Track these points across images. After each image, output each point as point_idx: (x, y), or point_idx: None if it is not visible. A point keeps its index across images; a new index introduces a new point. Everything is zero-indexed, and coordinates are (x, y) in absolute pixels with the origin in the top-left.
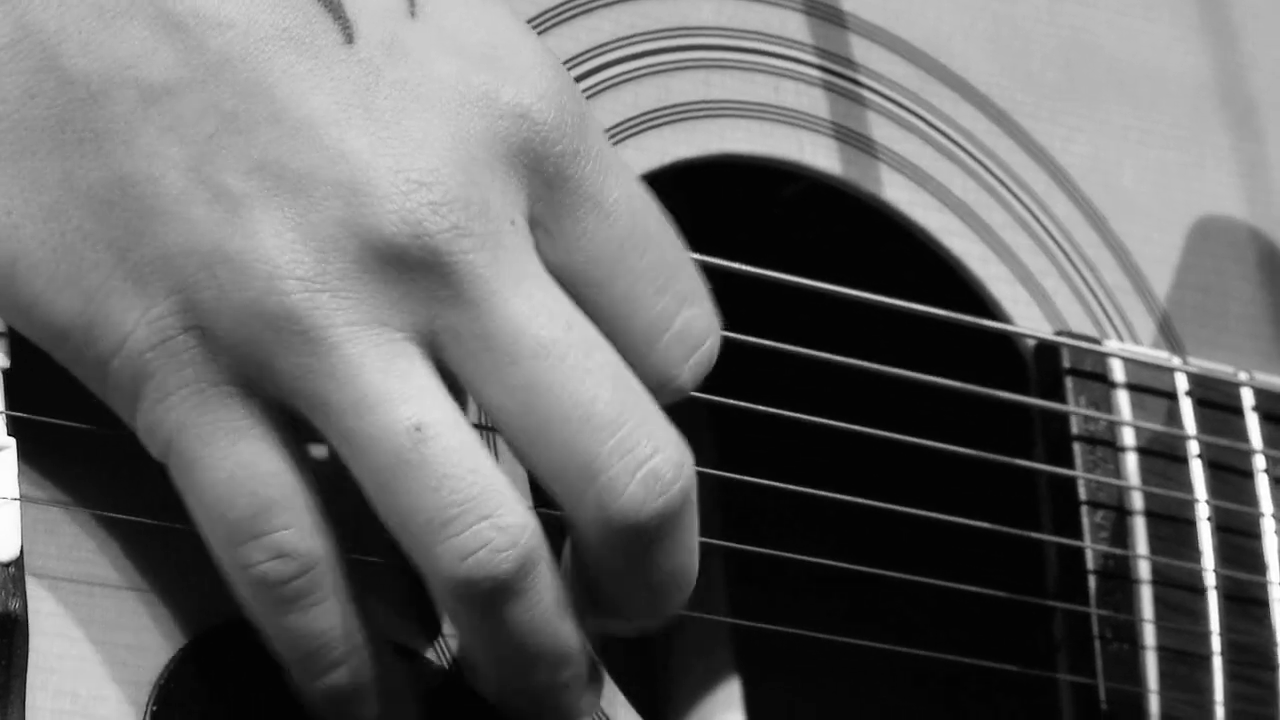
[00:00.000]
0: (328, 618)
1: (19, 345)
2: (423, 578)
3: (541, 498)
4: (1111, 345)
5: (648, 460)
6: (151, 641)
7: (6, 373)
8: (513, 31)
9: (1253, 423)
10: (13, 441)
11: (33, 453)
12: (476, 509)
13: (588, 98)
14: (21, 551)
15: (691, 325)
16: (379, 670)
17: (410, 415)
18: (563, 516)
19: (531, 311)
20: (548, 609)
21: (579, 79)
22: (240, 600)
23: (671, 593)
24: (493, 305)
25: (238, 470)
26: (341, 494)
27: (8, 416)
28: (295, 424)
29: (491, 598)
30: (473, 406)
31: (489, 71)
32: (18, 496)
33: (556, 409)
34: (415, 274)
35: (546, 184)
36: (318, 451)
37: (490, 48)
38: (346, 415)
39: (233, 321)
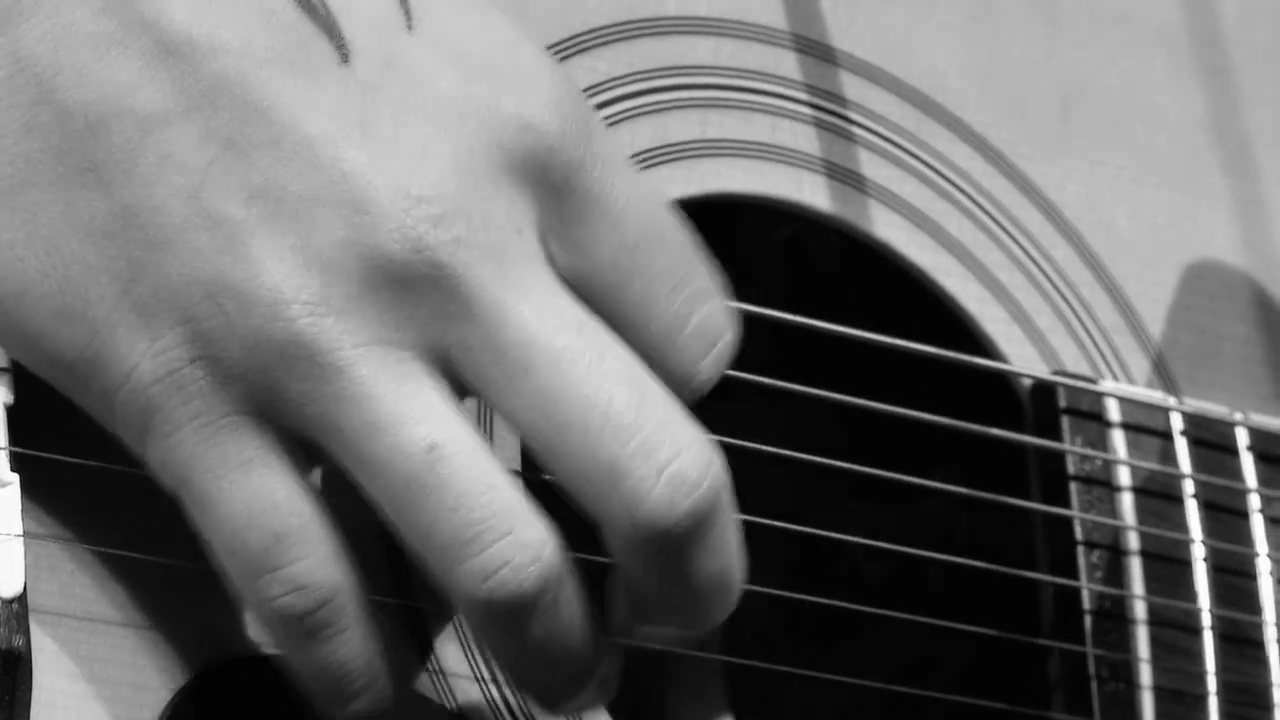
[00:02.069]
0: (349, 647)
1: (22, 381)
2: (447, 595)
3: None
4: (1107, 385)
5: (672, 461)
6: (152, 679)
7: (10, 409)
8: (513, 40)
9: (1248, 463)
10: (16, 477)
11: (35, 489)
12: (496, 527)
13: None
14: (25, 588)
15: (708, 322)
16: (401, 694)
17: (424, 436)
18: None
19: (541, 320)
20: (572, 621)
21: None
22: (263, 632)
23: (715, 600)
24: (501, 316)
25: (251, 503)
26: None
27: (10, 453)
28: (309, 451)
29: (515, 614)
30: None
31: (489, 82)
32: (21, 533)
33: (574, 416)
34: (421, 290)
35: (553, 192)
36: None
37: (490, 57)
38: (359, 439)
39: (240, 350)
